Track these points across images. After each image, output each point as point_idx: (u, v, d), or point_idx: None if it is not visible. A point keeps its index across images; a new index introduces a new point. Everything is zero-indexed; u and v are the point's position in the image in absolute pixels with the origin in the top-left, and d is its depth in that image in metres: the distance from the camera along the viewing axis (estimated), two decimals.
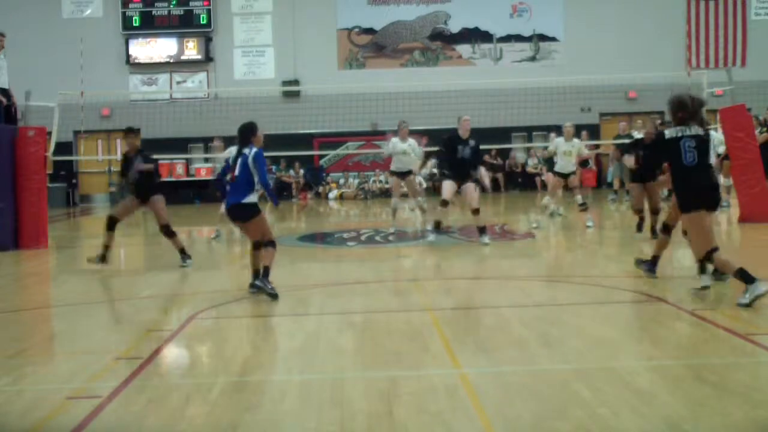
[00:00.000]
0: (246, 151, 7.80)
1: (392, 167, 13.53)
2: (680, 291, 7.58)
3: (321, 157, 25.37)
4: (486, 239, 11.36)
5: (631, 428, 3.95)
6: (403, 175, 13.32)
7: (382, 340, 5.87)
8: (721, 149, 15.18)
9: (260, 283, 7.69)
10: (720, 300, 7.45)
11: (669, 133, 7.07)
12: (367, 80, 23.75)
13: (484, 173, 12.22)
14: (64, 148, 19.58)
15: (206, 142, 23.55)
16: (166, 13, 25.76)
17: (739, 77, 18.12)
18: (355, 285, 8.48)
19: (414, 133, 14.49)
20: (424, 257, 10.84)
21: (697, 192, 6.97)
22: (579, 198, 13.50)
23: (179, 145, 22.91)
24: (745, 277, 6.67)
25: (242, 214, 7.84)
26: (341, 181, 25.23)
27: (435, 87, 22.46)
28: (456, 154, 11.58)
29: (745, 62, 24.86)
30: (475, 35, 25.96)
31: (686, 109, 7.05)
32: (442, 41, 26.02)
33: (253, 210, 7.80)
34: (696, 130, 7.02)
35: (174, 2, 25.72)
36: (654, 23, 25.02)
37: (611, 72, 20.55)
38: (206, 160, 24.08)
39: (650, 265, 8.20)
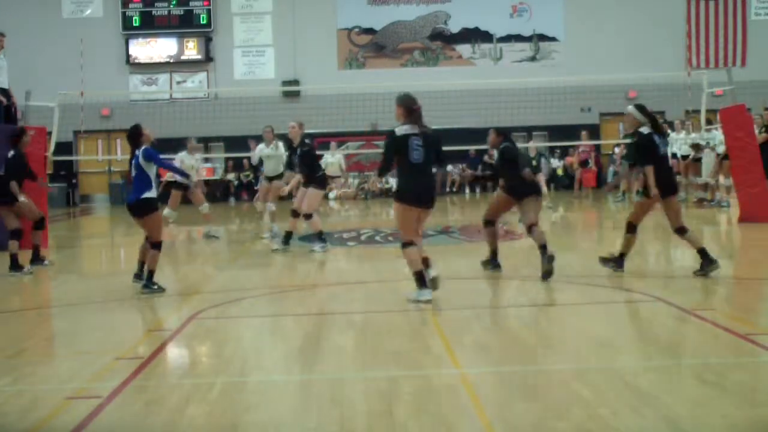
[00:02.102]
0: (137, 152, 8.34)
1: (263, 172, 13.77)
2: (680, 291, 7.58)
3: (321, 157, 25.33)
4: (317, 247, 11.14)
5: (631, 428, 3.95)
6: (271, 179, 13.44)
7: (382, 340, 5.87)
8: (721, 149, 15.19)
9: (147, 291, 8.09)
10: (720, 300, 7.46)
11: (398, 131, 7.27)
12: (367, 80, 23.74)
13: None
14: (64, 148, 19.57)
15: (206, 142, 23.56)
16: (166, 13, 25.76)
17: (739, 77, 18.09)
18: (355, 285, 8.47)
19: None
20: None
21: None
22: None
23: (179, 145, 22.87)
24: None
25: (140, 211, 8.25)
26: (341, 181, 25.21)
27: (435, 87, 22.42)
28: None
29: (745, 62, 24.86)
30: (475, 35, 25.96)
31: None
32: (442, 41, 26.02)
33: (151, 206, 8.26)
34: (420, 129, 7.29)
35: (174, 2, 25.71)
36: (654, 23, 25.01)
37: (611, 72, 20.56)
38: (206, 160, 24.07)
39: (619, 262, 8.45)
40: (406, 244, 7.25)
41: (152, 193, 8.28)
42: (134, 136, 8.44)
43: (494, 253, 8.97)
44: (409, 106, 7.39)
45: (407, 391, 4.62)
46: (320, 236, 11.25)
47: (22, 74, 17.26)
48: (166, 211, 13.10)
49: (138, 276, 8.57)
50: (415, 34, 26.01)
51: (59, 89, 15.36)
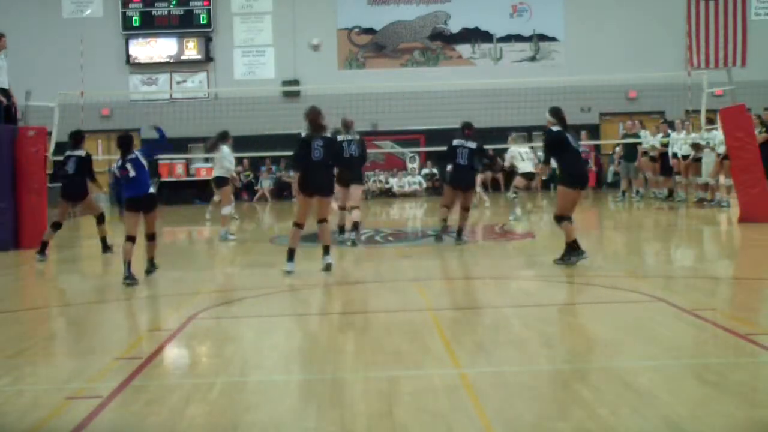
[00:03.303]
0: (134, 153, 9.09)
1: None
2: (680, 291, 7.58)
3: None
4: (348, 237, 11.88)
5: (631, 428, 3.95)
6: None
7: (382, 340, 5.87)
8: (721, 149, 15.19)
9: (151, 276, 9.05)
10: (720, 300, 7.46)
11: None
12: (367, 80, 23.75)
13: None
14: (64, 148, 19.56)
15: (206, 142, 23.54)
16: (166, 13, 25.75)
17: (739, 77, 18.10)
18: (355, 285, 8.48)
19: (414, 134, 14.50)
20: (424, 257, 10.83)
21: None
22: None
23: (179, 145, 22.87)
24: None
25: (152, 204, 9.08)
26: None
27: (435, 87, 22.44)
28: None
29: (745, 62, 24.86)
30: (475, 35, 25.95)
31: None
32: (442, 41, 26.02)
33: (156, 200, 9.25)
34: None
35: (174, 2, 25.71)
36: (654, 23, 25.01)
37: (611, 72, 20.56)
38: (206, 160, 24.06)
39: (573, 252, 8.96)
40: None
41: (154, 189, 9.28)
42: (129, 143, 9.16)
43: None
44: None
45: (407, 391, 4.62)
46: (356, 228, 11.97)
47: (22, 74, 17.25)
48: (225, 209, 13.21)
49: (128, 278, 8.72)
50: (415, 34, 26.01)
51: (59, 89, 15.36)
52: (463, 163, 11.46)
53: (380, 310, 7.24)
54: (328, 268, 9.02)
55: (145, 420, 4.27)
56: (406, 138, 24.48)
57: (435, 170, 23.21)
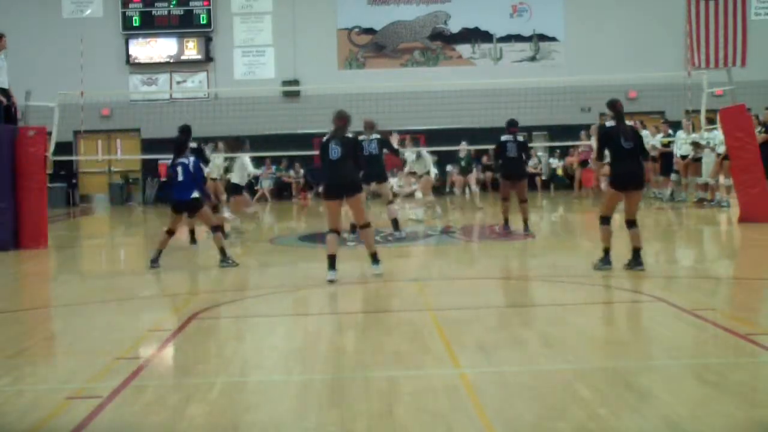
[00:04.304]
0: (189, 158, 9.99)
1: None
2: (680, 291, 7.58)
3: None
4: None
5: (631, 428, 3.95)
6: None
7: (382, 340, 5.87)
8: (721, 149, 15.19)
9: (225, 264, 9.80)
10: (720, 300, 7.46)
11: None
12: (367, 80, 23.75)
13: None
14: (64, 148, 19.57)
15: (206, 143, 23.52)
16: (166, 13, 25.76)
17: (739, 77, 18.11)
18: (355, 285, 8.47)
19: (416, 133, 14.53)
20: (424, 257, 10.83)
21: None
22: None
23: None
24: None
25: (193, 209, 9.99)
26: None
27: (435, 87, 22.45)
28: None
29: (745, 62, 24.85)
30: (475, 35, 25.96)
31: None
32: (442, 41, 26.02)
33: (200, 204, 10.00)
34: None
35: (174, 2, 25.71)
36: (654, 23, 25.02)
37: (611, 72, 20.56)
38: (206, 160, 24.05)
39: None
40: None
41: (198, 194, 9.89)
42: (181, 147, 10.05)
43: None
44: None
45: (407, 391, 4.62)
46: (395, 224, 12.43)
47: (22, 74, 17.25)
48: (251, 209, 13.36)
49: (155, 261, 9.86)
50: (415, 34, 26.01)
51: (59, 89, 15.35)
52: (513, 155, 12.37)
53: (380, 310, 7.24)
54: (377, 275, 8.58)
55: (145, 420, 4.27)
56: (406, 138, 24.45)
57: (435, 170, 23.17)
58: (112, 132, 25.65)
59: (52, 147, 13.64)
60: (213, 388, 4.76)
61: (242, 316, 7.32)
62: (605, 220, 8.77)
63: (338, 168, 8.52)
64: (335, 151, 8.51)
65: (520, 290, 8.26)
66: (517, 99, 22.00)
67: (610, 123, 8.86)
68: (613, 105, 8.72)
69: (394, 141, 14.04)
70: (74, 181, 25.60)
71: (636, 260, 8.50)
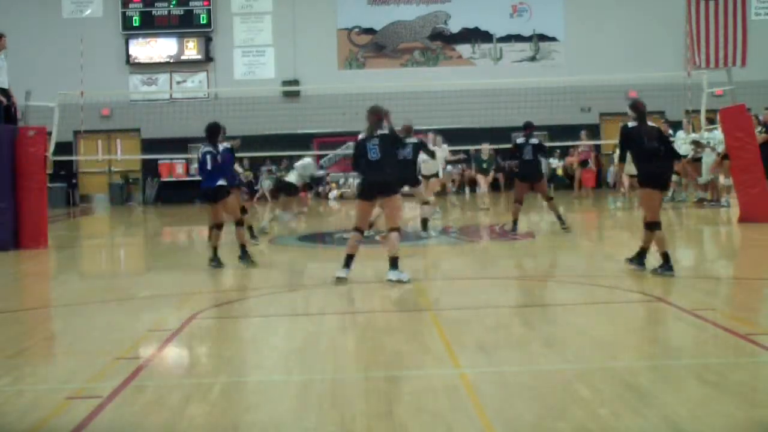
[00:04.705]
0: (218, 147, 9.71)
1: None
2: (680, 291, 7.58)
3: (321, 157, 25.36)
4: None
5: (631, 428, 3.94)
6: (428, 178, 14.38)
7: (382, 340, 5.87)
8: (720, 148, 15.19)
9: (244, 262, 9.62)
10: (720, 300, 7.46)
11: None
12: (367, 80, 23.75)
13: None
14: (64, 148, 19.58)
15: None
16: (166, 13, 25.77)
17: (739, 77, 18.14)
18: (355, 285, 8.47)
19: (416, 133, 14.56)
20: (424, 257, 10.84)
21: None
22: None
23: (179, 145, 22.90)
24: None
25: (218, 195, 9.64)
26: (341, 181, 25.23)
27: (435, 87, 22.45)
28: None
29: (745, 62, 24.84)
30: (475, 35, 25.96)
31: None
32: (442, 41, 26.02)
33: (225, 191, 9.75)
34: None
35: (174, 2, 25.72)
36: (654, 23, 25.02)
37: (611, 72, 20.56)
38: None
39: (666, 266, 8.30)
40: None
41: (224, 182, 9.67)
42: (212, 134, 9.71)
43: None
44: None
45: (407, 391, 4.62)
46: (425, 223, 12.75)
47: (22, 74, 17.26)
48: (286, 215, 13.47)
49: (214, 260, 9.69)
50: (415, 34, 26.01)
51: (59, 89, 15.36)
52: (529, 158, 12.57)
53: (380, 310, 7.24)
54: (396, 281, 8.20)
55: (145, 420, 4.27)
56: None
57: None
58: (112, 132, 25.66)
59: (52, 147, 13.64)
60: (213, 388, 4.76)
61: (242, 316, 7.32)
62: (656, 225, 8.24)
63: (377, 168, 8.30)
64: (374, 151, 8.32)
65: (520, 290, 8.25)
66: (517, 99, 22.02)
67: (632, 124, 8.73)
68: (636, 106, 8.68)
69: (429, 142, 14.21)
70: (74, 181, 25.61)
71: (668, 264, 8.29)
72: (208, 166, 9.55)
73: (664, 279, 8.29)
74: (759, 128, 14.67)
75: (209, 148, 9.62)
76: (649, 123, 8.72)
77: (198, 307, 7.38)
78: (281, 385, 4.92)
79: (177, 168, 25.05)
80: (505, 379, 4.81)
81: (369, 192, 8.44)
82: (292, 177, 13.45)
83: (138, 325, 6.88)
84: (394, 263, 8.32)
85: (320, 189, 25.04)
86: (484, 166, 19.61)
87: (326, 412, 4.27)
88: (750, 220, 12.89)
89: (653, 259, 8.33)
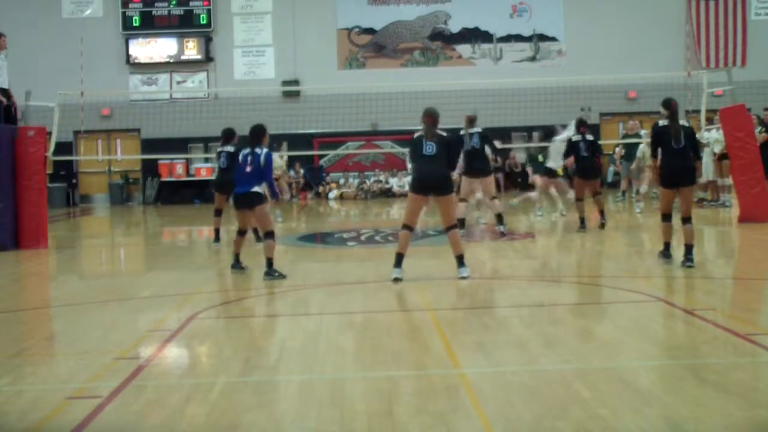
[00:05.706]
0: (258, 150, 9.06)
1: None
2: (680, 291, 7.58)
3: (321, 157, 25.37)
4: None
5: (631, 428, 3.94)
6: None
7: (382, 340, 5.87)
8: (718, 148, 15.20)
9: (268, 278, 8.75)
10: (720, 300, 7.46)
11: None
12: (367, 80, 23.74)
13: None
14: (64, 148, 19.58)
15: (206, 142, 23.56)
16: (166, 13, 25.75)
17: (739, 77, 18.13)
18: (355, 285, 8.47)
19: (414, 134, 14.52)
20: (424, 257, 10.83)
21: None
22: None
23: (179, 145, 22.92)
24: None
25: (250, 202, 8.97)
26: (341, 181, 25.24)
27: (435, 87, 22.42)
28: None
29: (745, 62, 24.85)
30: (475, 35, 25.95)
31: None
32: (442, 41, 26.02)
33: (260, 198, 9.00)
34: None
35: (174, 2, 25.71)
36: (654, 23, 25.01)
37: (611, 72, 20.54)
38: (206, 160, 24.08)
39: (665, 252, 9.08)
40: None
41: (261, 188, 8.98)
42: (259, 135, 9.23)
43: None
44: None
45: (407, 391, 4.62)
46: (500, 219, 12.53)
47: (22, 74, 17.27)
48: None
49: (235, 266, 9.34)
50: (415, 34, 26.00)
51: (59, 89, 15.35)
52: (585, 154, 12.88)
53: (380, 310, 7.24)
54: (464, 278, 8.33)
55: (145, 420, 4.27)
56: (406, 138, 24.42)
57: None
58: (112, 132, 25.65)
59: (52, 147, 13.64)
60: (213, 388, 4.77)
61: (242, 316, 7.32)
62: (665, 217, 9.05)
63: (431, 165, 8.35)
64: (430, 147, 8.40)
65: (520, 290, 8.25)
66: (517, 99, 22.02)
67: (663, 122, 8.92)
68: (668, 104, 8.89)
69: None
70: (74, 181, 25.61)
71: (687, 256, 8.69)
72: (247, 168, 8.96)
73: (664, 279, 8.30)
74: (759, 128, 14.67)
75: (248, 151, 9.08)
76: (682, 122, 8.90)
77: (198, 307, 7.38)
78: (281, 385, 4.92)
79: (177, 168, 25.04)
80: (505, 379, 4.82)
81: (422, 186, 8.40)
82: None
83: (138, 325, 6.89)
84: (461, 260, 8.42)
85: (320, 189, 25.04)
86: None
87: (326, 412, 4.27)
88: (750, 220, 12.89)
89: (679, 253, 8.58)
